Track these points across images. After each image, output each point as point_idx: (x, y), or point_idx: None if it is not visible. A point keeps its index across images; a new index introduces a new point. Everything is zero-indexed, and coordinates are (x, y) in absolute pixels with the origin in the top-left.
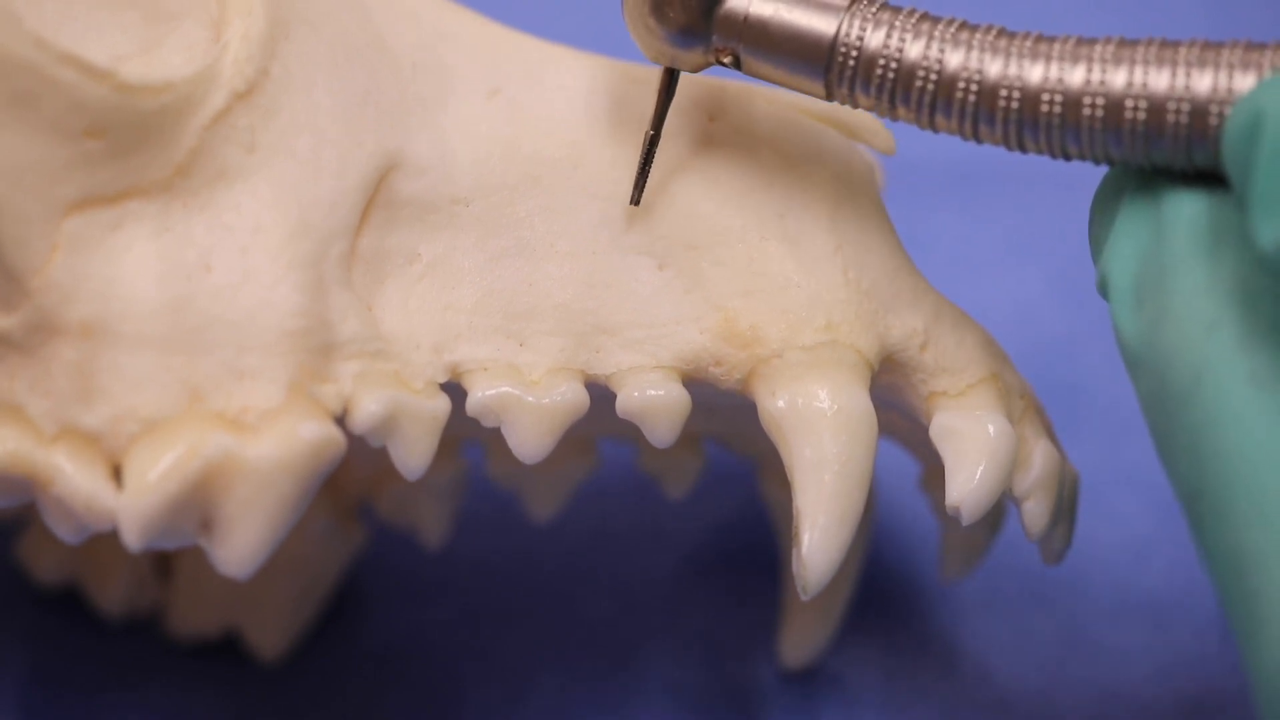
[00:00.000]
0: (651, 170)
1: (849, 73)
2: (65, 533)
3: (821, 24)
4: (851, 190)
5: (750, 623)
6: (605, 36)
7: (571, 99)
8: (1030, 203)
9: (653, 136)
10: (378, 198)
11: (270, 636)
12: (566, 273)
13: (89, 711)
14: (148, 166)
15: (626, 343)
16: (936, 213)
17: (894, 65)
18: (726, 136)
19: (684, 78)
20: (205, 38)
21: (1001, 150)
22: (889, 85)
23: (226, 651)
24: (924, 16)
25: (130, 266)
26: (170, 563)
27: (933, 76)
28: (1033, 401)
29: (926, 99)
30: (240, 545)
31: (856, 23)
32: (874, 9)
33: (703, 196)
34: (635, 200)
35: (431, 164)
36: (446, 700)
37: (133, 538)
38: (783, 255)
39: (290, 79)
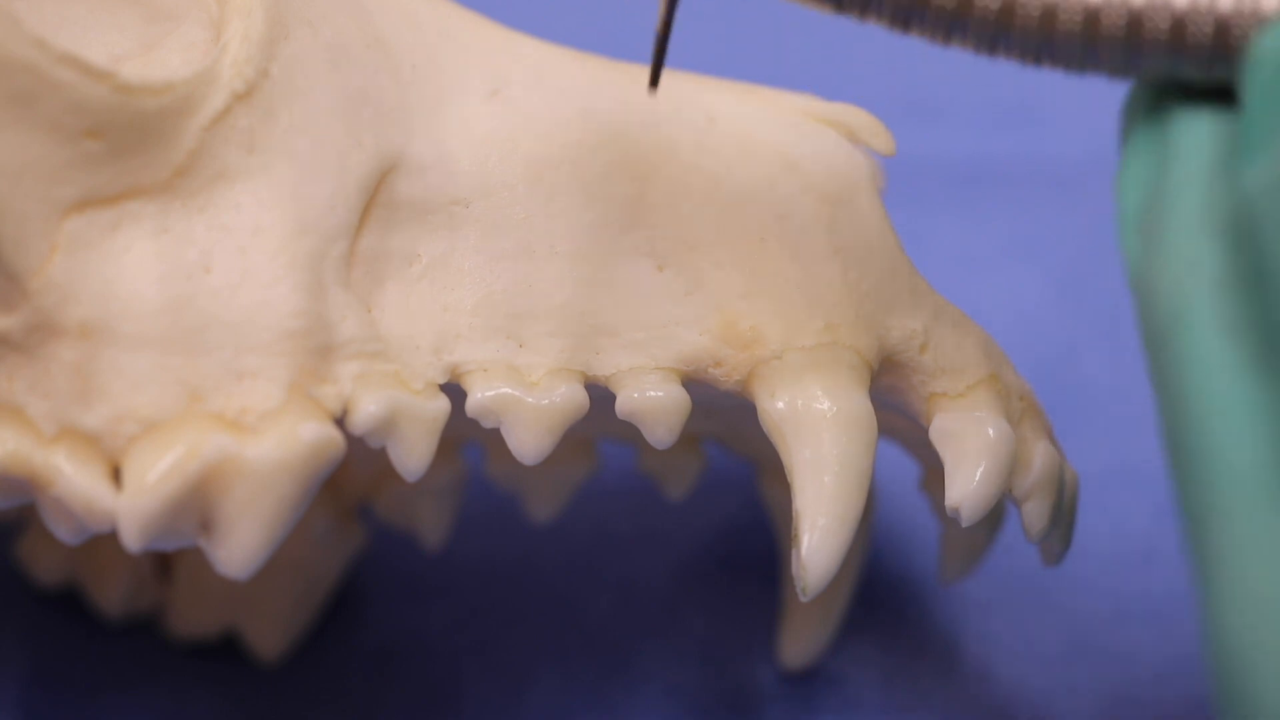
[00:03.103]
0: (653, 167)
1: None
2: (65, 534)
3: None
4: (852, 191)
5: (750, 625)
6: (605, 36)
7: (571, 99)
8: (1030, 204)
9: (667, 17)
10: (377, 198)
11: (270, 636)
12: (566, 274)
13: (89, 711)
14: (147, 167)
15: (626, 344)
16: (936, 213)
17: None
18: (726, 138)
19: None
20: (205, 38)
21: (1001, 151)
22: (903, 1)
23: (226, 651)
24: None
25: (130, 267)
26: (170, 563)
27: None
28: (1032, 403)
29: (944, 17)
30: (240, 546)
31: None
32: None
33: (703, 198)
34: (653, 82)
35: (431, 164)
36: (446, 700)
37: (132, 539)
38: (782, 256)
39: (290, 80)
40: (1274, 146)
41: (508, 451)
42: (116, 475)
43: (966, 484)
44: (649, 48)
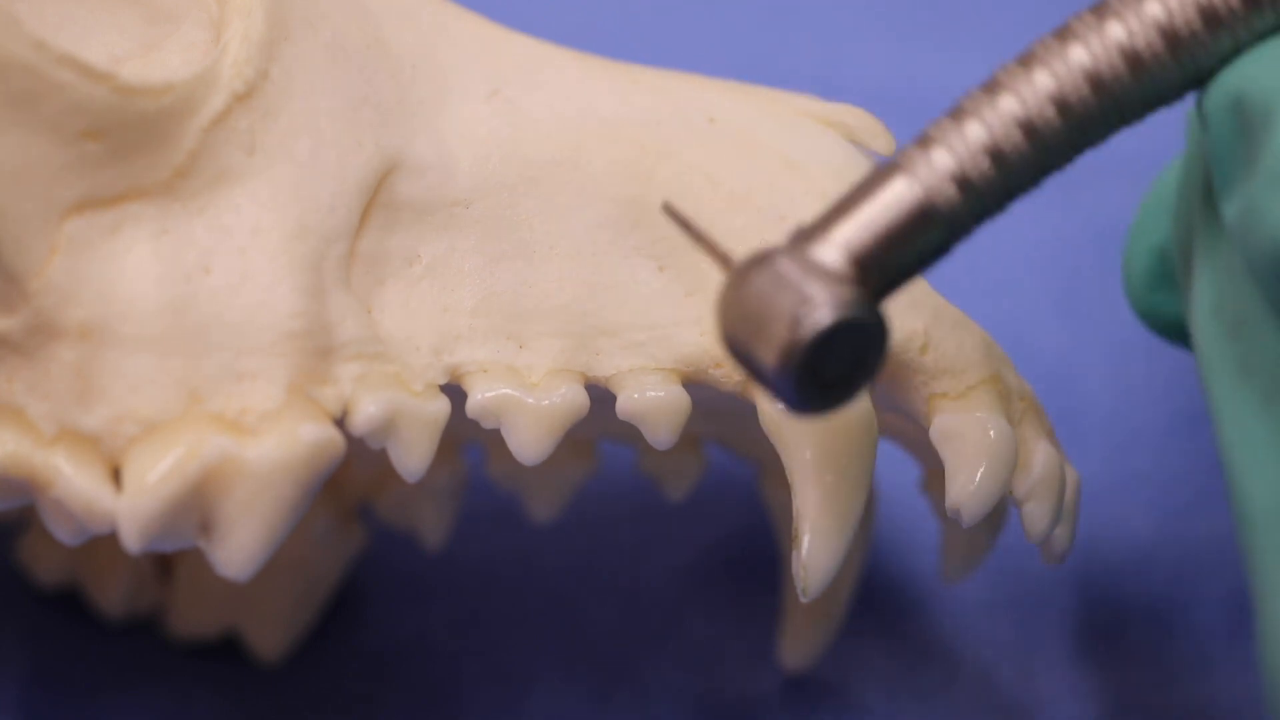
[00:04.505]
0: (653, 167)
1: None
2: (65, 535)
3: None
4: None
5: (751, 627)
6: (605, 36)
7: (571, 99)
8: (1030, 204)
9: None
10: (377, 199)
11: (270, 637)
12: (566, 274)
13: (89, 711)
14: (147, 168)
15: (627, 344)
16: None
17: None
18: (726, 138)
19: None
20: (205, 39)
21: None
22: None
23: (226, 651)
24: None
25: (129, 268)
26: (170, 563)
27: None
28: (1033, 403)
29: None
30: (240, 547)
31: None
32: None
33: (703, 198)
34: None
35: (431, 165)
36: (446, 701)
37: (132, 540)
38: None
39: (290, 81)
40: (1237, 191)
41: (508, 452)
42: (116, 476)
43: (967, 485)
44: (649, 48)
